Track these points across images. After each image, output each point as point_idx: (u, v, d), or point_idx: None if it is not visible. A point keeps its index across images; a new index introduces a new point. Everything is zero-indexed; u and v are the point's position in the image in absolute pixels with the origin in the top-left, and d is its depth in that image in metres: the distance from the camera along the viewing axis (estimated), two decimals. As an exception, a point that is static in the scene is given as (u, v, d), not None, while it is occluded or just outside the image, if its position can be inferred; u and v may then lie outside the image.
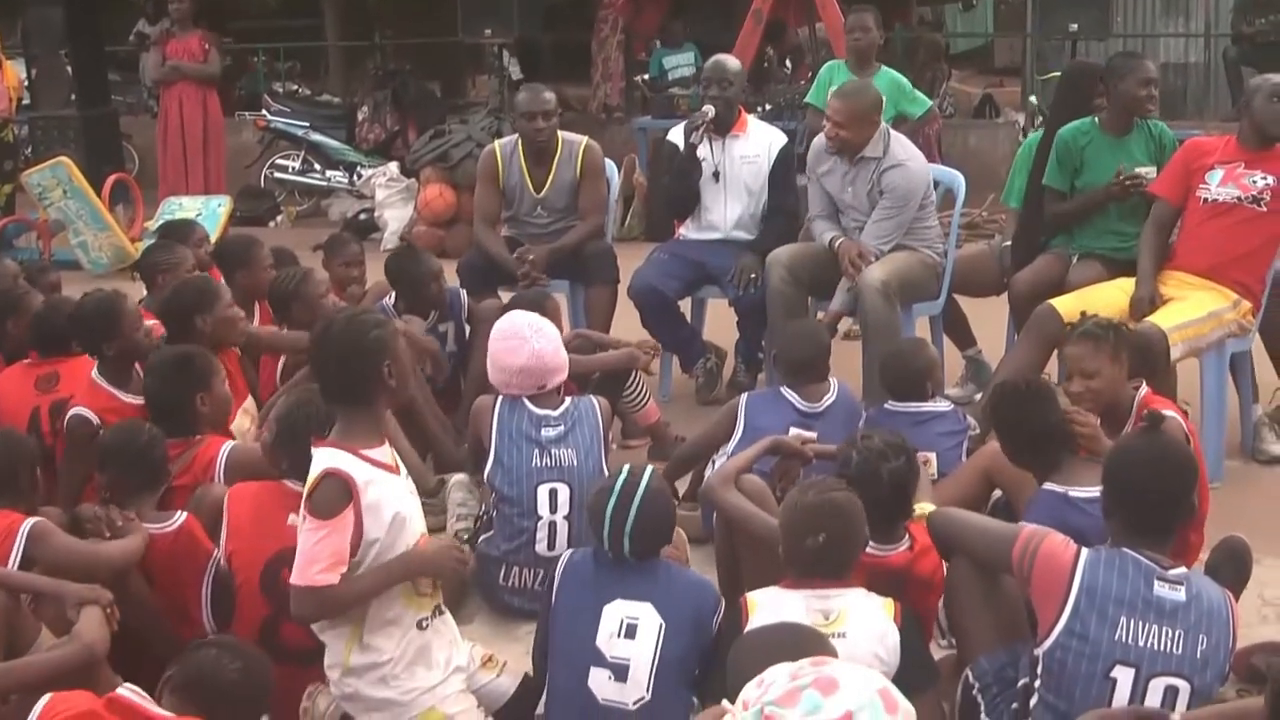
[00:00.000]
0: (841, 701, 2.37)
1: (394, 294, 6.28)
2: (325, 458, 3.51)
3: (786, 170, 6.98)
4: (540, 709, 3.74)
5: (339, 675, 3.63)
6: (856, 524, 3.59)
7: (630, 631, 3.58)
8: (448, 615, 3.83)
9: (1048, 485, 4.17)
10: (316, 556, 3.46)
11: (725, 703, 2.53)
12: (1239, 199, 5.78)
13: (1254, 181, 5.77)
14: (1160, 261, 5.92)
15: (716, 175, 6.90)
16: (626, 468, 3.86)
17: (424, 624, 3.67)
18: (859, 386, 5.88)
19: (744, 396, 5.18)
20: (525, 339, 4.84)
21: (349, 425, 3.58)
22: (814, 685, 2.40)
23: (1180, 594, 3.35)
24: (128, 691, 2.72)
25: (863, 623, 3.42)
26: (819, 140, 6.64)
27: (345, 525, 3.46)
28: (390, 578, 3.57)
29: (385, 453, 3.61)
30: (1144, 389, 4.66)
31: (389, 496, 3.54)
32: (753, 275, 6.57)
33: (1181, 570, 3.42)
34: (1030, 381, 4.45)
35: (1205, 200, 5.86)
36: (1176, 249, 5.96)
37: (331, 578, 3.46)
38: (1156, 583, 3.35)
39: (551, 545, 4.64)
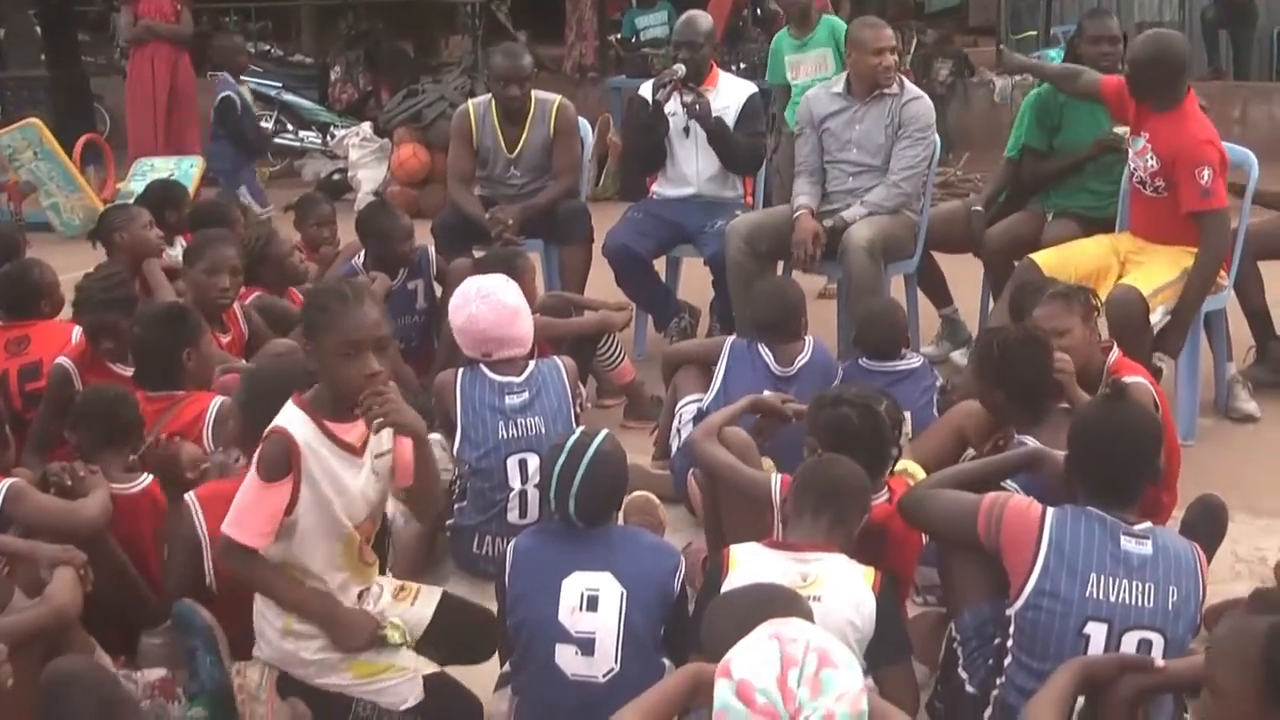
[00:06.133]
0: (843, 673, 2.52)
1: (363, 252, 6.25)
2: (288, 415, 3.48)
3: (753, 112, 6.95)
4: (507, 701, 3.70)
5: (278, 635, 3.60)
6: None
7: (592, 603, 3.51)
8: (383, 583, 3.84)
9: (1028, 441, 4.16)
10: (252, 514, 3.44)
11: None
12: (1143, 182, 5.73)
13: (1146, 161, 5.67)
14: (1053, 76, 6.39)
15: (687, 130, 6.87)
16: (580, 429, 3.83)
17: (363, 595, 3.68)
18: (834, 345, 5.87)
19: (729, 342, 5.18)
20: (467, 301, 4.84)
21: (323, 393, 3.53)
22: (821, 666, 2.50)
23: (1147, 548, 3.37)
24: None
25: (839, 589, 3.40)
26: (816, 90, 6.71)
27: (282, 494, 3.42)
28: (295, 602, 3.56)
29: (353, 430, 3.52)
30: (1115, 353, 4.66)
31: (334, 473, 3.48)
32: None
33: (1146, 525, 3.43)
34: (1025, 327, 4.44)
35: (1130, 166, 5.84)
36: (1130, 212, 5.94)
37: (257, 542, 3.45)
38: (1123, 538, 3.37)
39: (523, 514, 4.63)
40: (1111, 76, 6.01)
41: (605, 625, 3.52)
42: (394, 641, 3.63)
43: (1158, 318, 5.48)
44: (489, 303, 4.82)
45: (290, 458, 3.41)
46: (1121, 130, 6.06)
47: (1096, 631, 3.32)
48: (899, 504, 3.85)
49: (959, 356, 6.61)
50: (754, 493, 4.02)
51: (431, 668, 3.70)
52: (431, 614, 3.84)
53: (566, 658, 3.52)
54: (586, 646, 3.51)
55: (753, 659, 2.52)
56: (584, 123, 7.33)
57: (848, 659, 2.57)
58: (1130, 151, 5.80)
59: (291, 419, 3.46)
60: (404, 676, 3.65)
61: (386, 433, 3.59)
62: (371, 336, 3.42)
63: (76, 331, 5.02)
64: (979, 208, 6.54)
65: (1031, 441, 4.14)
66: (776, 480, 3.99)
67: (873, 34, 6.44)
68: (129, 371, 4.75)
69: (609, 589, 3.54)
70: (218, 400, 4.53)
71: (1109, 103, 5.99)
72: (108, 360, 4.87)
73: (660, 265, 7.09)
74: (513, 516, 4.62)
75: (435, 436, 4.96)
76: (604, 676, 3.50)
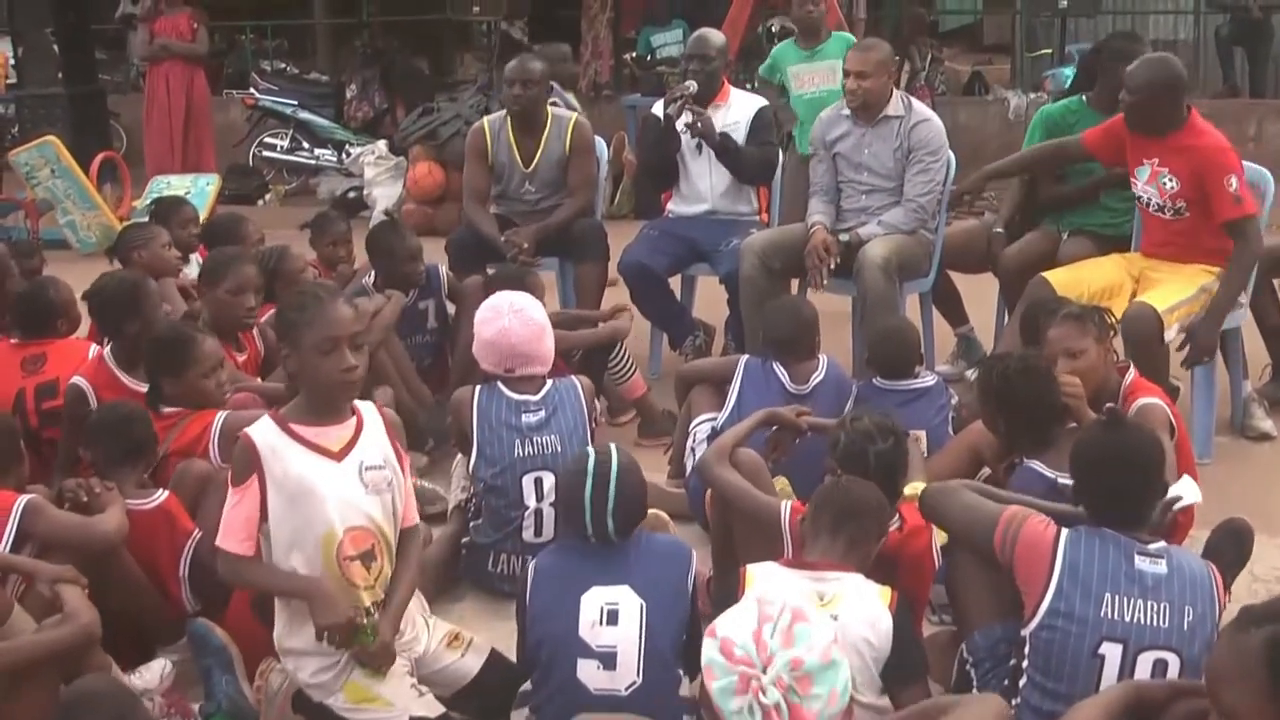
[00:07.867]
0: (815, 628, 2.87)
1: (373, 271, 6.26)
2: (257, 424, 3.60)
3: (764, 124, 6.96)
4: (528, 711, 3.68)
5: (282, 653, 3.65)
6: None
7: (612, 618, 3.52)
8: (434, 624, 3.87)
9: (1035, 466, 4.16)
10: (231, 523, 3.54)
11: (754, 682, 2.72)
12: (1161, 207, 5.72)
13: (1164, 183, 5.66)
14: (1024, 169, 6.33)
15: (700, 146, 6.88)
16: (592, 451, 3.82)
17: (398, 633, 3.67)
18: (848, 363, 5.86)
19: (743, 360, 5.18)
20: (499, 315, 4.84)
21: (299, 401, 3.64)
22: (794, 621, 2.79)
23: (1162, 567, 3.35)
24: None
25: (856, 607, 3.40)
26: (828, 112, 6.70)
27: (252, 493, 3.51)
28: (284, 587, 3.58)
29: (328, 435, 3.58)
30: (1131, 374, 4.63)
31: (299, 473, 3.51)
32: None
33: (1161, 544, 3.42)
34: (1024, 356, 4.43)
35: (1139, 197, 5.83)
36: (1143, 236, 5.94)
37: (241, 549, 3.52)
38: (1137, 557, 3.35)
39: (539, 533, 4.62)
40: (1091, 131, 6.04)
41: (627, 638, 3.52)
42: (366, 632, 3.54)
43: (1172, 334, 5.47)
44: (521, 318, 4.83)
45: (250, 459, 3.50)
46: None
47: (1112, 652, 3.30)
48: (921, 496, 3.84)
49: (974, 375, 6.60)
50: (764, 518, 4.02)
51: (427, 711, 3.62)
52: (478, 669, 3.85)
53: (589, 673, 3.52)
54: (609, 661, 3.51)
55: (734, 618, 2.69)
56: (599, 141, 7.35)
57: (820, 618, 2.90)
58: (1138, 182, 5.79)
59: (257, 426, 3.58)
60: (389, 712, 3.58)
61: (379, 447, 3.67)
62: (348, 332, 3.56)
63: (93, 349, 5.03)
64: (999, 229, 6.52)
65: (1039, 465, 4.14)
66: (787, 506, 3.99)
67: (851, 55, 6.53)
68: (144, 387, 4.76)
69: (628, 602, 3.55)
70: (222, 415, 4.55)
71: (1098, 155, 6.04)
72: (121, 368, 4.88)
73: (675, 283, 7.10)
74: (528, 535, 4.62)
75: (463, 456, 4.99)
76: (626, 690, 3.51)
